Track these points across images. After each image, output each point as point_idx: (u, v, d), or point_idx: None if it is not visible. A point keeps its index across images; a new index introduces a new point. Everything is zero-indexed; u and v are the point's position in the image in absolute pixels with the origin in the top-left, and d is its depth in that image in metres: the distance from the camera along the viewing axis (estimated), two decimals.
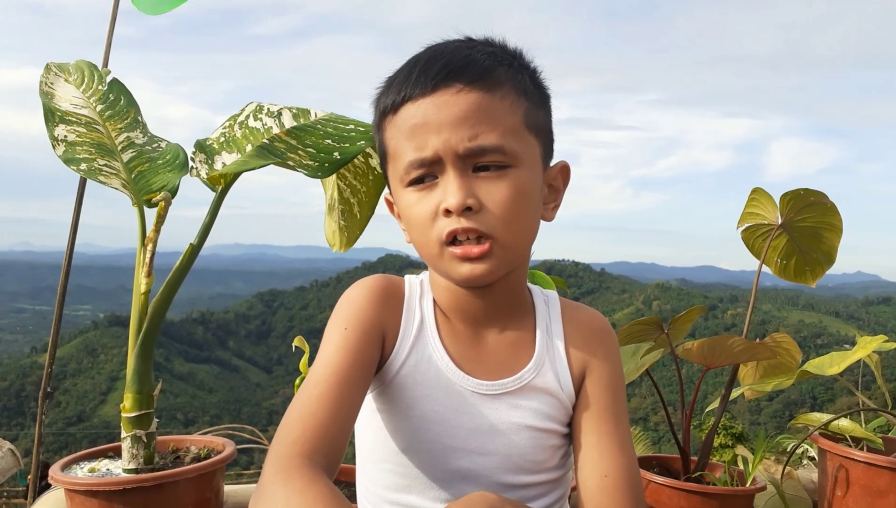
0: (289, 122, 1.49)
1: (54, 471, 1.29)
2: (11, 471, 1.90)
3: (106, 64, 1.85)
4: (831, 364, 1.56)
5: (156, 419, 1.35)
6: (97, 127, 1.42)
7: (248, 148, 1.43)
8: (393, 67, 0.91)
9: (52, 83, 1.46)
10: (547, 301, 1.02)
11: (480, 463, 0.92)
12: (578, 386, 0.97)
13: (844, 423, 1.57)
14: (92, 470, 1.33)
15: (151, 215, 1.37)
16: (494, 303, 0.95)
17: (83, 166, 1.34)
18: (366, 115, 0.95)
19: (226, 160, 1.43)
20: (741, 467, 1.54)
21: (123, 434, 1.33)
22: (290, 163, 1.40)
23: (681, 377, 1.57)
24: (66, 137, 1.36)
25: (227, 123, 1.52)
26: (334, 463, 0.80)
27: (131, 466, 1.31)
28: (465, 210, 0.84)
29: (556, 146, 0.96)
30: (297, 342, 1.62)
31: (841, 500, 1.50)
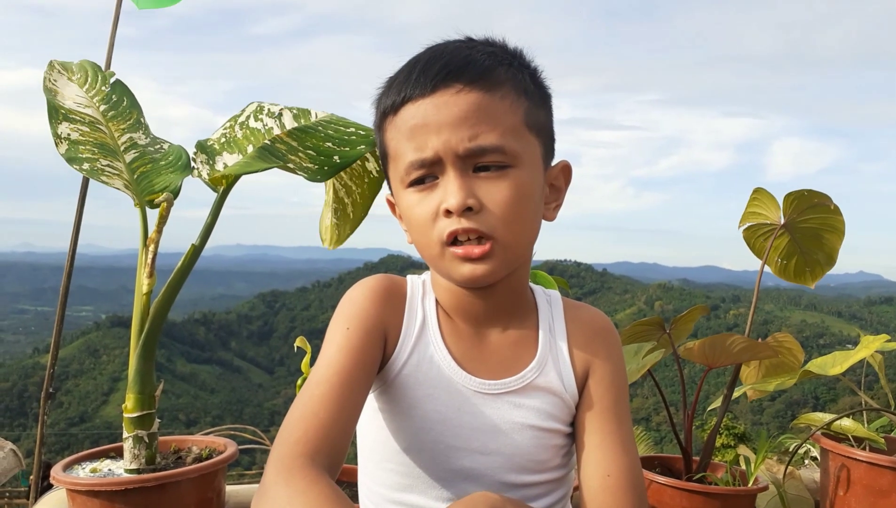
0: (289, 122, 1.49)
1: (56, 471, 1.29)
2: (13, 472, 1.90)
3: (109, 64, 1.86)
4: (833, 364, 1.56)
5: (158, 420, 1.35)
6: (100, 127, 1.42)
7: (249, 149, 1.43)
8: (393, 68, 0.91)
9: (55, 81, 1.46)
10: (549, 301, 1.02)
11: (483, 463, 0.92)
12: (581, 386, 0.97)
13: (847, 423, 1.57)
14: (94, 471, 1.33)
15: (153, 215, 1.37)
16: (496, 303, 0.95)
17: (86, 166, 1.35)
18: (366, 115, 0.95)
19: (227, 161, 1.43)
20: (743, 467, 1.54)
21: (125, 435, 1.33)
22: (291, 166, 1.40)
23: (683, 378, 1.57)
24: (69, 135, 1.36)
25: (228, 124, 1.52)
26: (336, 463, 0.80)
27: (133, 466, 1.31)
28: (466, 210, 0.84)
29: (556, 146, 0.96)
30: (299, 342, 1.62)
31: (843, 500, 1.50)
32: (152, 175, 1.41)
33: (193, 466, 1.31)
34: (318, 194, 1.71)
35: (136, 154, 1.43)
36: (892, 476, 1.42)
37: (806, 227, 1.71)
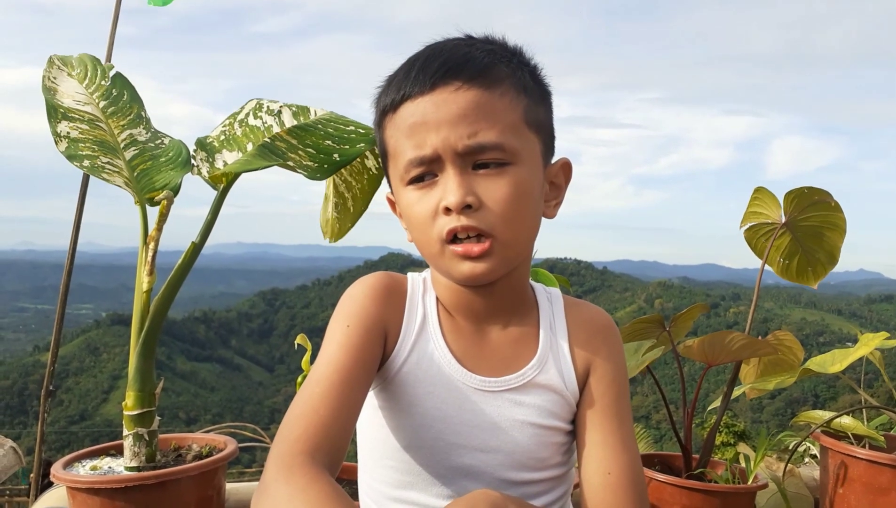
0: (289, 120, 1.49)
1: (56, 469, 1.29)
2: (14, 469, 1.90)
3: (108, 61, 1.86)
4: (833, 362, 1.56)
5: (158, 418, 1.35)
6: (100, 124, 1.42)
7: (249, 147, 1.43)
8: (393, 66, 0.91)
9: (55, 77, 1.46)
10: (550, 299, 1.02)
11: (483, 460, 0.92)
12: (582, 383, 0.97)
13: (846, 421, 1.57)
14: (94, 468, 1.33)
15: (153, 213, 1.37)
16: (497, 300, 0.95)
17: (86, 163, 1.35)
18: (367, 113, 0.95)
19: (227, 159, 1.43)
20: (743, 465, 1.54)
21: (125, 432, 1.33)
22: (291, 164, 1.40)
23: (682, 375, 1.58)
24: (68, 133, 1.36)
25: (228, 121, 1.52)
26: (337, 461, 0.80)
27: (133, 464, 1.31)
28: (465, 208, 0.84)
29: (557, 144, 0.96)
30: (299, 340, 1.62)
31: (843, 498, 1.50)
32: (152, 172, 1.41)
33: (193, 464, 1.31)
34: (319, 193, 1.72)
35: (136, 151, 1.43)
36: (891, 473, 1.42)
37: (807, 225, 1.71)
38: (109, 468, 1.34)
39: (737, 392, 1.66)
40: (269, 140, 1.43)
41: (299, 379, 1.52)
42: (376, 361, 0.91)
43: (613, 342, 1.00)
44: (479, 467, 0.92)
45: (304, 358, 1.58)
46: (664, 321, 1.61)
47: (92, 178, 1.42)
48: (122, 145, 1.42)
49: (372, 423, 0.97)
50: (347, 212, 1.64)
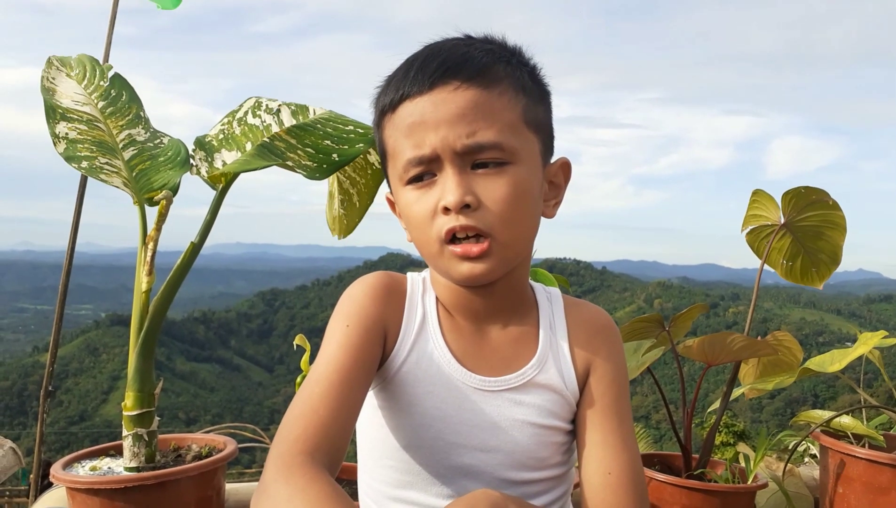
0: (287, 119, 1.49)
1: (56, 470, 1.29)
2: (13, 470, 1.90)
3: (106, 61, 1.85)
4: (832, 362, 1.56)
5: (157, 418, 1.35)
6: (98, 125, 1.42)
7: (248, 146, 1.43)
8: (393, 66, 0.91)
9: (53, 78, 1.46)
10: (550, 298, 1.01)
11: (482, 460, 0.92)
12: (582, 383, 0.96)
13: (846, 420, 1.57)
14: (93, 469, 1.33)
15: (152, 213, 1.37)
16: (496, 300, 0.95)
17: (84, 164, 1.35)
18: (367, 113, 0.95)
19: (225, 158, 1.43)
20: (743, 464, 1.54)
21: (125, 433, 1.33)
22: (290, 163, 1.40)
23: (682, 375, 1.57)
24: (67, 134, 1.36)
25: (226, 120, 1.52)
26: (336, 461, 0.80)
27: (133, 464, 1.31)
28: (464, 208, 0.84)
29: (556, 144, 0.96)
30: (299, 340, 1.62)
31: (842, 497, 1.50)
32: (151, 172, 1.41)
33: (193, 464, 1.31)
34: (318, 193, 1.74)
35: (135, 151, 1.43)
36: (891, 473, 1.42)
37: (806, 225, 1.71)
38: (109, 468, 1.34)
39: (736, 392, 1.66)
40: (268, 140, 1.43)
41: (298, 379, 1.52)
42: (376, 361, 0.91)
43: (613, 342, 1.00)
44: (478, 466, 0.92)
45: (304, 358, 1.58)
46: (664, 320, 1.61)
47: (91, 178, 1.42)
48: (120, 146, 1.42)
49: (371, 423, 0.97)
50: (354, 207, 1.65)
